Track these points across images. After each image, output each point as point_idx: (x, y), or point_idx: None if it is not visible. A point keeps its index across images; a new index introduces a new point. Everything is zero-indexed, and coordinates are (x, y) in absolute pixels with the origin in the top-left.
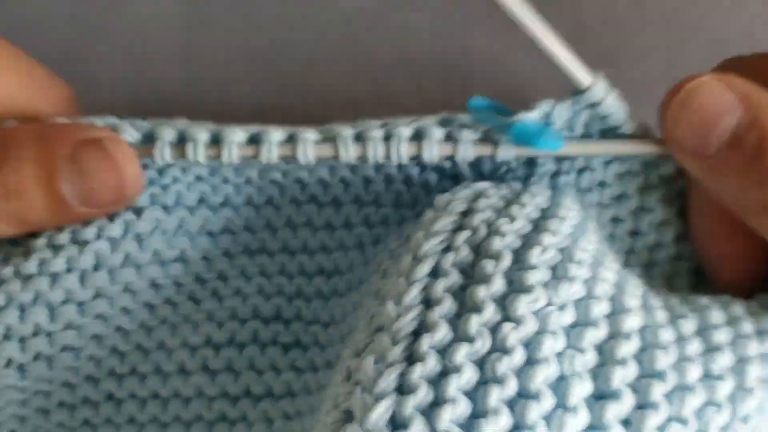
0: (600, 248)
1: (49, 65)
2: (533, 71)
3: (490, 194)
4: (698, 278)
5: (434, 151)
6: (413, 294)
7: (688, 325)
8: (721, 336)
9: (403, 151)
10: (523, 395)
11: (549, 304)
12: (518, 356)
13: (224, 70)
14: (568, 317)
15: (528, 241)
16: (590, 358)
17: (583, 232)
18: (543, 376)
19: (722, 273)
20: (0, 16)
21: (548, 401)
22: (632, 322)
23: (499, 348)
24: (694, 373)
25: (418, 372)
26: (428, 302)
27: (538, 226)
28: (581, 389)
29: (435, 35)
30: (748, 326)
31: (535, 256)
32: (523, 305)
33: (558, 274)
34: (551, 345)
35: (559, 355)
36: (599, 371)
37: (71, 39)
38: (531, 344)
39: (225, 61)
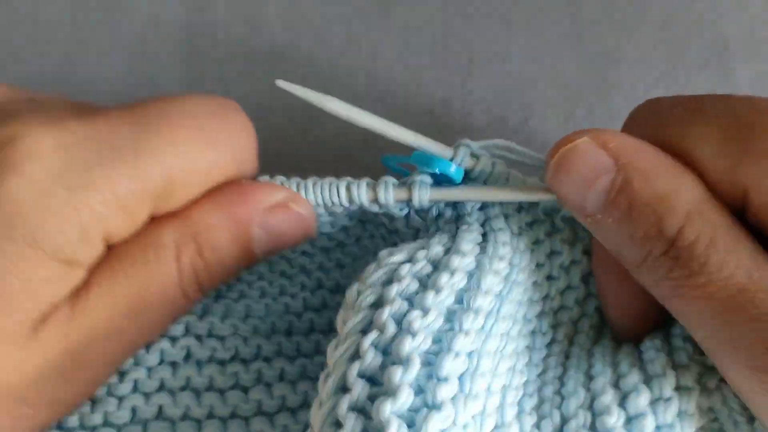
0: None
1: (50, 65)
2: (533, 71)
3: (402, 275)
4: (602, 319)
5: (363, 196)
6: (322, 414)
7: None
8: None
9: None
10: None
11: (454, 423)
12: None
13: (224, 70)
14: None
15: (441, 342)
16: None
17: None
18: None
19: (614, 317)
20: (0, 15)
21: None
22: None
23: None
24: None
25: None
26: (335, 422)
27: (452, 319)
28: None
29: (435, 35)
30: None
31: (448, 363)
32: (433, 425)
33: (464, 387)
34: None
35: None
36: None
37: (71, 39)
38: None
39: (225, 61)
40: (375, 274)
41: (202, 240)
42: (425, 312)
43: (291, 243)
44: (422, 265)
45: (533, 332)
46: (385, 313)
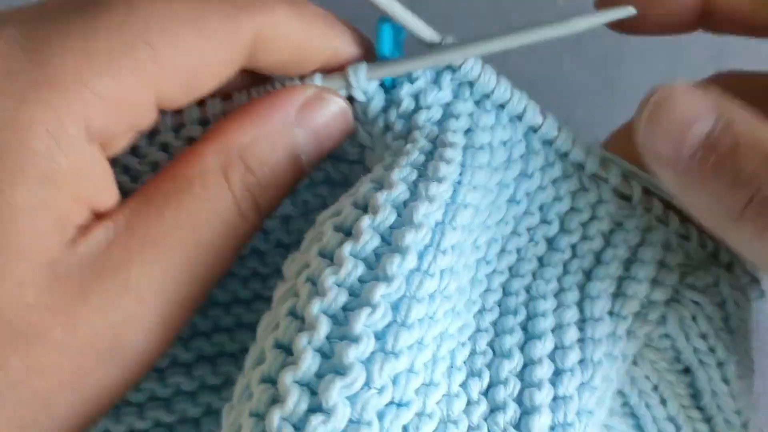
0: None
1: None
2: (533, 71)
3: (323, 231)
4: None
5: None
6: (241, 385)
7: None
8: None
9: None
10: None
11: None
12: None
13: None
14: (388, 397)
15: (359, 296)
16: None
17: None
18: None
19: None
20: None
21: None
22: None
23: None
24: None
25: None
26: (250, 395)
27: (374, 266)
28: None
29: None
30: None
31: (360, 319)
32: (335, 392)
33: (384, 344)
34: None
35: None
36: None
37: None
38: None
39: None
40: (307, 238)
41: (248, 156)
42: (339, 266)
43: (335, 138)
44: (347, 214)
45: (479, 261)
46: (303, 277)
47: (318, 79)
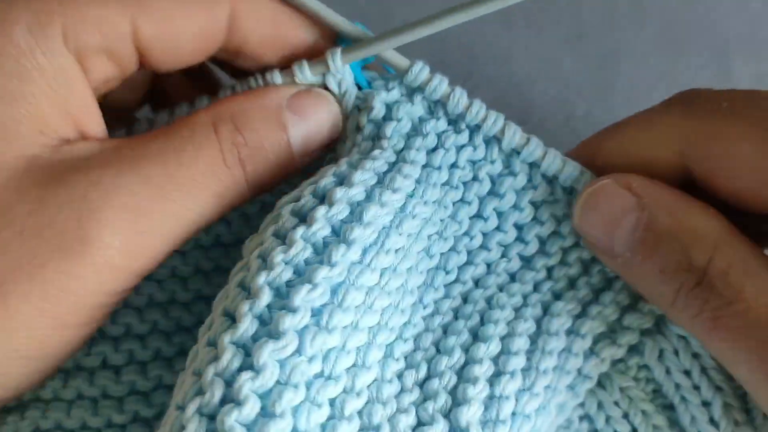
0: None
1: None
2: (533, 71)
3: (282, 214)
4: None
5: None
6: (192, 351)
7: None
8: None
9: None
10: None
11: (298, 353)
12: (249, 408)
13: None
14: (316, 368)
15: (302, 275)
16: (323, 412)
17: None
18: (275, 429)
19: None
20: None
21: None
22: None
23: (233, 398)
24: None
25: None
26: (194, 358)
27: (322, 252)
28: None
29: (436, 36)
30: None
31: (299, 294)
32: (266, 353)
33: (319, 320)
34: (292, 396)
35: (297, 406)
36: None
37: None
38: (268, 395)
39: None
40: (266, 220)
41: (238, 118)
42: (289, 246)
43: (324, 130)
44: (305, 201)
45: (436, 269)
46: (255, 253)
47: (305, 67)
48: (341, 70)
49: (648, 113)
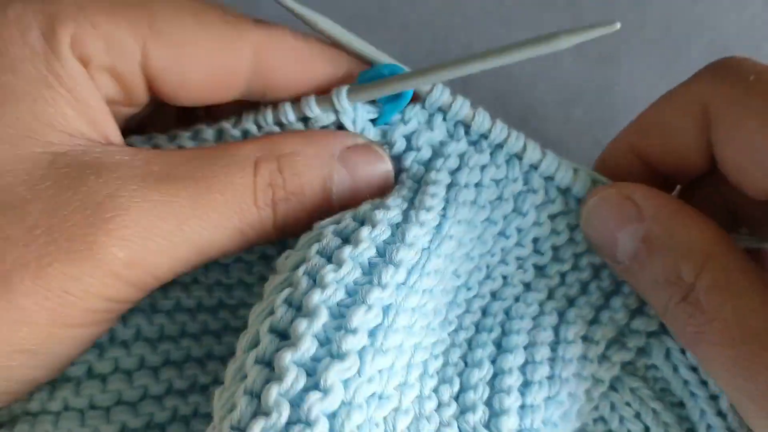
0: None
1: None
2: (533, 71)
3: (324, 234)
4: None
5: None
6: (234, 368)
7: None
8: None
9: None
10: None
11: (359, 374)
12: (320, 429)
13: None
14: (375, 387)
15: (356, 295)
16: (380, 430)
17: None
18: None
19: None
20: None
21: None
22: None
23: (301, 420)
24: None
25: None
26: (244, 376)
27: (371, 272)
28: None
29: (435, 35)
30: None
31: (358, 315)
32: (333, 374)
33: (375, 341)
34: (357, 416)
35: (359, 427)
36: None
37: None
38: (336, 416)
39: None
40: (303, 239)
41: (285, 161)
42: (339, 265)
43: (372, 187)
44: (347, 223)
45: (458, 287)
46: (301, 271)
47: (312, 102)
48: (347, 108)
49: (680, 84)
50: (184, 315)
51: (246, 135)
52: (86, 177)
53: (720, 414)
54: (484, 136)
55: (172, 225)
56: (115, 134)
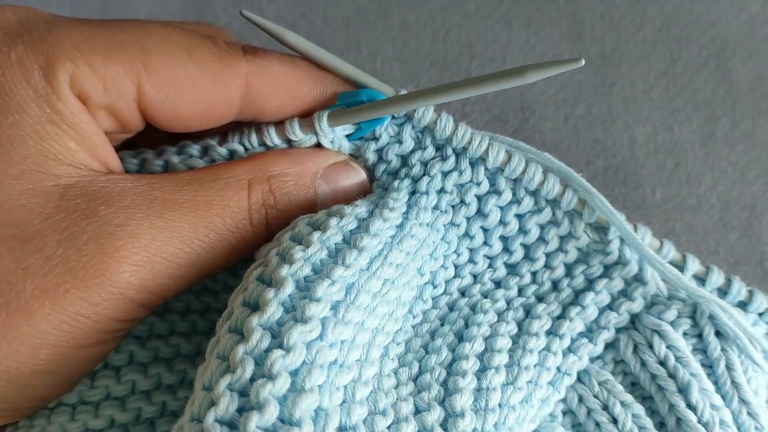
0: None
1: None
2: None
3: (297, 223)
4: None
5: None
6: (212, 341)
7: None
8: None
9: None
10: (286, 422)
11: (320, 338)
12: (281, 383)
13: None
14: (335, 354)
15: (321, 272)
16: (339, 396)
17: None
18: (306, 403)
19: None
20: None
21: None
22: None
23: (264, 375)
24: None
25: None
26: (217, 342)
27: (336, 255)
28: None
29: (435, 35)
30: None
31: (321, 287)
32: (295, 335)
33: (337, 313)
34: (318, 375)
35: (320, 386)
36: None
37: None
38: (297, 373)
39: None
40: (281, 231)
41: (274, 182)
42: (307, 246)
43: (348, 196)
44: (318, 216)
45: (425, 284)
46: (273, 252)
47: (296, 127)
48: (327, 131)
49: None
50: (175, 315)
51: (233, 155)
52: (96, 207)
53: (690, 407)
54: (449, 141)
55: (176, 248)
56: (115, 163)
